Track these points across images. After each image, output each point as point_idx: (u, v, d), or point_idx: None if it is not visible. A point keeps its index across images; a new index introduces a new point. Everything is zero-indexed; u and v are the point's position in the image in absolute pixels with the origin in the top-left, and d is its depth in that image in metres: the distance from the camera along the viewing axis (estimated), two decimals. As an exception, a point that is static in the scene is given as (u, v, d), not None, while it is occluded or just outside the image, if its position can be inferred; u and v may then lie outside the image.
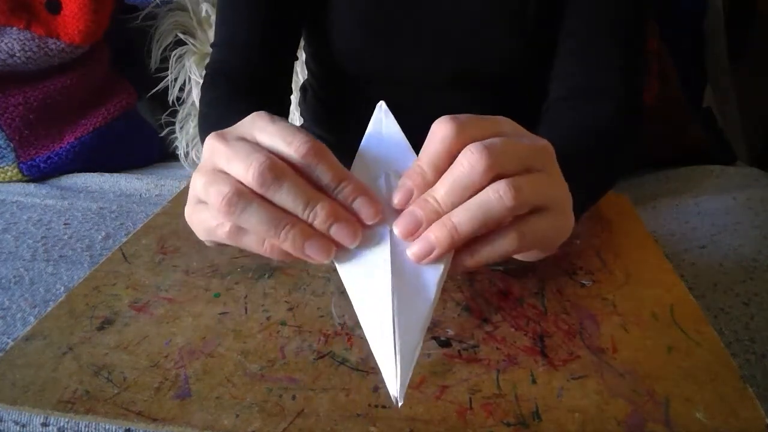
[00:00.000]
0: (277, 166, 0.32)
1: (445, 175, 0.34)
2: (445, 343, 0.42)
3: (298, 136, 0.33)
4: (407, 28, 0.65)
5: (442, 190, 0.34)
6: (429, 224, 0.34)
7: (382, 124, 0.42)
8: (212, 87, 0.62)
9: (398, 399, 0.31)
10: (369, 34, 0.66)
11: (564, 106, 0.60)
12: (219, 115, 0.57)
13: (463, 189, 0.33)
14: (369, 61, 0.68)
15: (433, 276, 0.35)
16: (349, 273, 0.35)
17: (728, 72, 1.19)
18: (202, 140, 0.59)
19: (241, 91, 0.60)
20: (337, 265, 0.35)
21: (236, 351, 0.41)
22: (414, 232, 0.34)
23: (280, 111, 0.65)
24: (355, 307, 0.34)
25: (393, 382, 0.31)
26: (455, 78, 0.67)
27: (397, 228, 0.35)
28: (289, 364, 0.40)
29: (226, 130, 0.36)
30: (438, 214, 0.34)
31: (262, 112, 0.36)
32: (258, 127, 0.35)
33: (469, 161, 0.33)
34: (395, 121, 0.42)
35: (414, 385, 0.38)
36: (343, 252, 0.35)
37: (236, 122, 0.47)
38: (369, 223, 0.35)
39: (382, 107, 0.43)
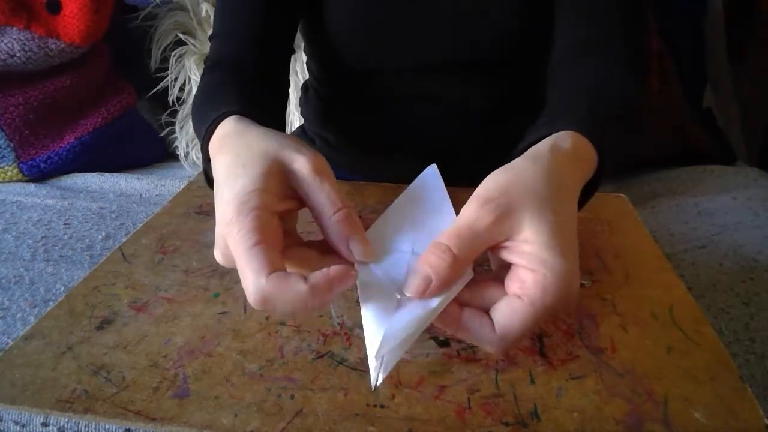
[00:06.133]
0: (266, 299, 0.32)
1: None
2: (444, 343, 0.42)
3: (260, 279, 0.32)
4: (404, 13, 0.65)
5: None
6: None
7: (427, 181, 0.42)
8: (206, 75, 0.63)
9: (378, 378, 0.32)
10: (366, 24, 0.66)
11: (569, 65, 0.60)
12: (205, 99, 0.57)
13: None
14: (367, 52, 0.68)
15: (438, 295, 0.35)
16: (364, 277, 0.35)
17: (728, 72, 1.19)
18: (194, 125, 0.58)
19: (237, 80, 0.60)
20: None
21: (235, 351, 0.41)
22: None
23: (277, 102, 0.65)
24: (361, 305, 0.34)
25: (374, 365, 0.32)
26: (455, 61, 0.67)
27: None
28: (287, 364, 0.40)
29: (220, 203, 0.36)
30: None
31: (230, 220, 0.34)
32: (233, 251, 0.34)
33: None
34: (442, 182, 0.42)
35: (413, 385, 0.38)
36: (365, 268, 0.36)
37: (218, 108, 0.47)
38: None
39: (432, 168, 0.44)
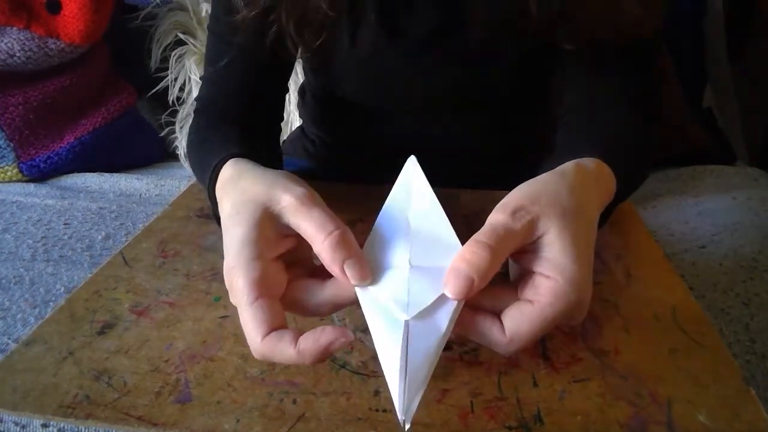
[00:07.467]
0: (263, 357, 0.34)
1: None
2: (446, 347, 0.42)
3: (256, 339, 0.33)
4: (405, 72, 0.65)
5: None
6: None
7: (411, 180, 0.42)
8: (197, 117, 0.64)
9: (405, 422, 0.31)
10: (371, 77, 0.66)
11: (577, 117, 0.59)
12: (200, 145, 0.58)
13: None
14: (370, 94, 0.69)
15: (446, 311, 0.34)
16: (368, 302, 0.35)
17: (728, 72, 1.19)
18: (194, 172, 0.59)
19: (227, 127, 0.60)
20: (358, 294, 0.35)
21: (237, 355, 0.41)
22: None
23: (267, 145, 0.66)
24: (372, 334, 0.34)
25: (399, 406, 0.31)
26: (454, 100, 0.68)
27: None
28: (289, 368, 0.40)
29: (230, 259, 0.36)
30: None
31: (236, 282, 0.35)
32: (236, 302, 0.35)
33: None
34: (425, 178, 0.42)
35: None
36: (364, 287, 0.35)
37: (217, 153, 0.48)
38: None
39: (412, 161, 0.43)
